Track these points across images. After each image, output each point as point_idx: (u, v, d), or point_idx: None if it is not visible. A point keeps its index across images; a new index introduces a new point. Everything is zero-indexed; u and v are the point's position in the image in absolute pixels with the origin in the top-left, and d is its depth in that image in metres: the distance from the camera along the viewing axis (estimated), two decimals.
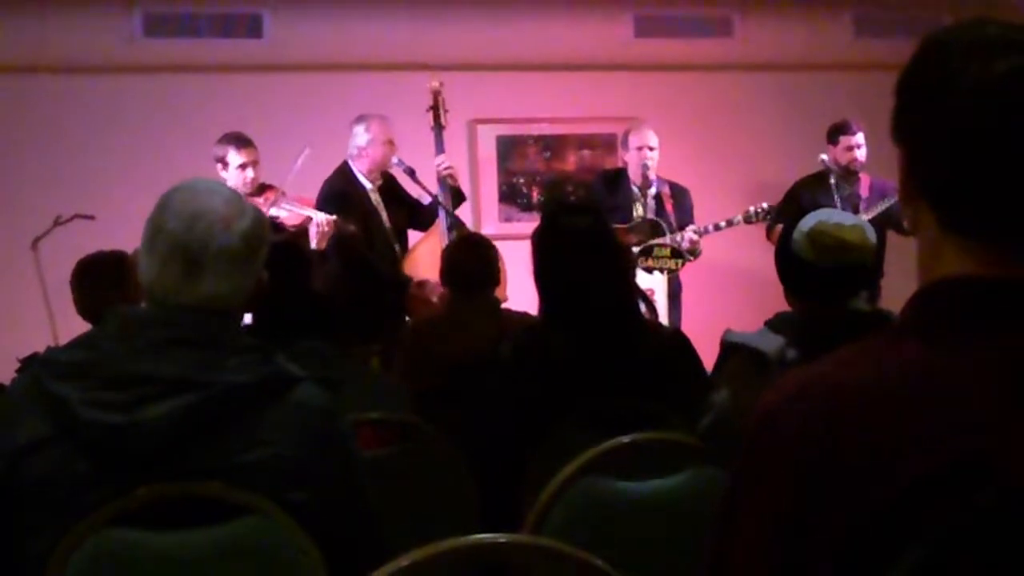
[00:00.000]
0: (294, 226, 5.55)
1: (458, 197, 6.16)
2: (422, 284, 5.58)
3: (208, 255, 1.93)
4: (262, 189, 5.81)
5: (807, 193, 6.42)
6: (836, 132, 6.56)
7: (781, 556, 1.10)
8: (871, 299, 5.94)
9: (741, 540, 1.14)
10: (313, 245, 5.45)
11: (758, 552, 1.12)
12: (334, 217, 5.60)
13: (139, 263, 1.98)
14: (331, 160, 6.02)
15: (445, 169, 6.04)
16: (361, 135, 5.97)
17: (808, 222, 2.68)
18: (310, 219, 5.63)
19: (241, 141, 5.84)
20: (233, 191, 2.06)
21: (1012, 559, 1.02)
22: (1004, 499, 1.02)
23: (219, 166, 5.82)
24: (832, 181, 6.38)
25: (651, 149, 6.46)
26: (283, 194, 5.74)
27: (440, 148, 6.10)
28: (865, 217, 5.94)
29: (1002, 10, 6.72)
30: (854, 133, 6.48)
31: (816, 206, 5.42)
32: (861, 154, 6.46)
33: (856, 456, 1.07)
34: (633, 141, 6.52)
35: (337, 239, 5.35)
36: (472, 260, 4.13)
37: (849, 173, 6.50)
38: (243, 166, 5.79)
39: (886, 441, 1.07)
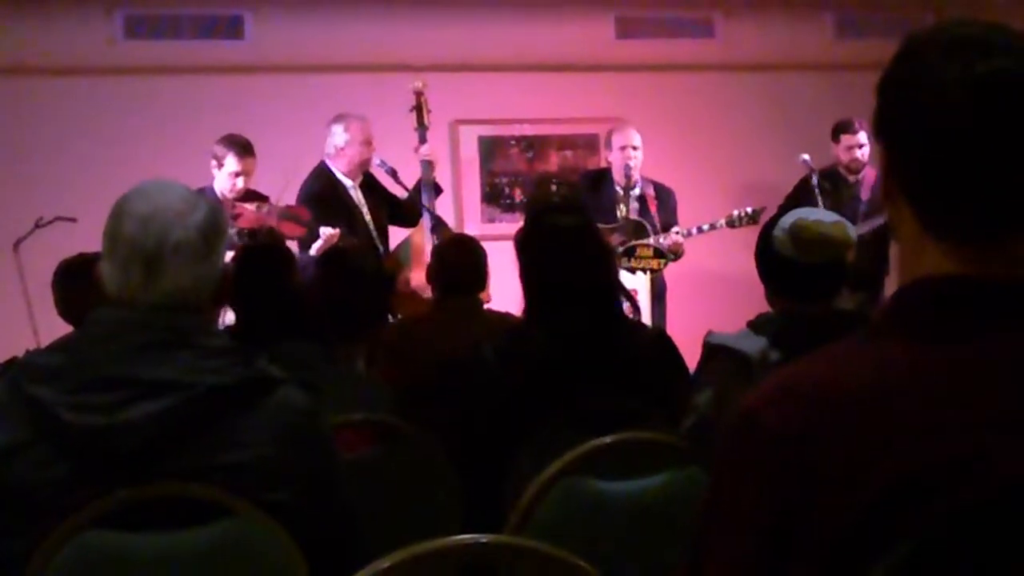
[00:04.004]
0: (251, 227, 5.50)
1: (436, 190, 6.16)
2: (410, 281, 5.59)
3: (166, 251, 1.92)
4: (248, 197, 5.69)
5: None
6: (839, 131, 6.68)
7: (762, 559, 1.09)
8: (872, 300, 5.98)
9: (721, 543, 1.13)
10: (313, 252, 5.41)
11: (738, 556, 1.11)
12: (338, 231, 5.54)
13: (102, 274, 1.96)
14: (314, 162, 6.01)
15: (427, 154, 6.02)
16: (339, 135, 5.95)
17: (788, 219, 2.68)
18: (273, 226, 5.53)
19: (246, 150, 5.68)
20: (184, 187, 2.05)
21: (994, 558, 1.02)
22: (984, 498, 1.02)
23: (214, 163, 5.69)
24: (814, 182, 6.39)
25: (634, 149, 6.46)
26: (272, 205, 5.66)
27: None
28: (863, 228, 5.99)
29: (986, 10, 6.74)
30: (856, 132, 6.60)
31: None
32: (863, 153, 6.59)
33: (837, 457, 1.07)
34: (617, 141, 6.52)
35: (331, 249, 5.30)
36: (462, 262, 4.12)
37: (850, 172, 6.61)
38: (237, 174, 5.64)
39: (866, 442, 1.06)
